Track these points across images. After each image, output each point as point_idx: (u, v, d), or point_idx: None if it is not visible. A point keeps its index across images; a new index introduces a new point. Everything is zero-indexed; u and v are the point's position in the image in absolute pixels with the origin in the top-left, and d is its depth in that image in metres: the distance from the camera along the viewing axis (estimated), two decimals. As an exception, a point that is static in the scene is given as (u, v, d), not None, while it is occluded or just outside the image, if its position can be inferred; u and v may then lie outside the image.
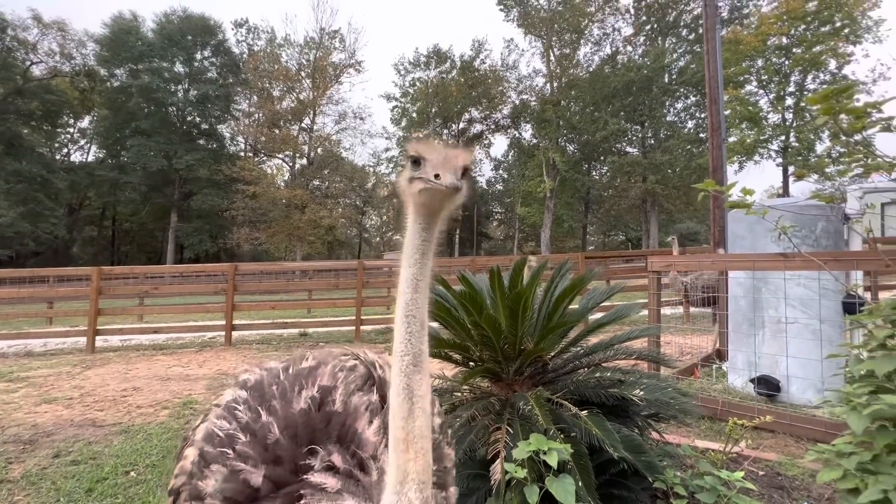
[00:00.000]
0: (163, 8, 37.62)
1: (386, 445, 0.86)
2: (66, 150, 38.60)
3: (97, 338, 8.41)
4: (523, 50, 37.81)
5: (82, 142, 39.49)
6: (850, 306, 3.69)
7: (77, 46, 35.08)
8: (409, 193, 0.91)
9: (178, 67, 37.53)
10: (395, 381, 0.85)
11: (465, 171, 0.90)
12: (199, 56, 38.64)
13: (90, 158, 38.99)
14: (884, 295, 7.42)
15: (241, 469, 0.95)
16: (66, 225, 34.13)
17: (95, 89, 36.21)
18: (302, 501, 0.90)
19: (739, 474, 1.93)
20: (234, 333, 8.94)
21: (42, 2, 44.49)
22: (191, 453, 1.04)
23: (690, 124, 32.57)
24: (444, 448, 1.17)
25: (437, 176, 0.84)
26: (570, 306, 2.76)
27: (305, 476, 0.93)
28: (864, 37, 25.38)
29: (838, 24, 25.55)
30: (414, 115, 39.84)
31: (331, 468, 0.95)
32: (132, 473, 3.20)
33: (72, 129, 38.57)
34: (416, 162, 0.89)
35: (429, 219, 0.93)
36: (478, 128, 41.39)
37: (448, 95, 37.81)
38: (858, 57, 25.78)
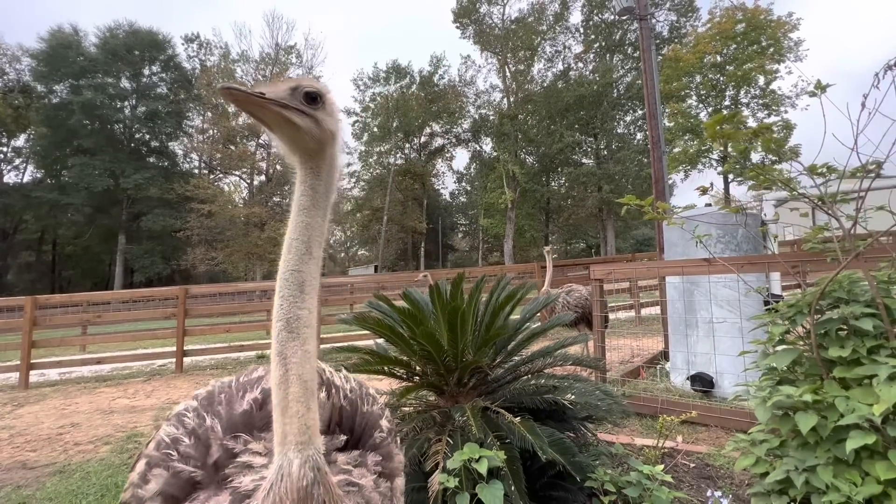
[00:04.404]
0: (106, 22, 36.01)
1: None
2: (-3, 171, 35.97)
3: (32, 372, 7.81)
4: (480, 66, 38.90)
5: (17, 161, 36.93)
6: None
7: (10, 61, 33.08)
8: None
9: (125, 83, 35.99)
10: (272, 347, 0.87)
11: (312, 97, 0.93)
12: (147, 71, 37.25)
13: (26, 179, 36.53)
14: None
15: (182, 469, 0.99)
16: (-2, 251, 31.68)
17: (31, 106, 34.03)
18: (229, 478, 0.96)
19: (660, 468, 2.08)
20: (186, 359, 8.55)
21: (-30, 14, 41.62)
22: (139, 465, 1.07)
23: (639, 136, 34.44)
24: (392, 448, 1.24)
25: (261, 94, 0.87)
26: (512, 317, 2.89)
27: (236, 459, 1.00)
28: (787, 55, 27.89)
29: (764, 44, 27.96)
30: (375, 129, 39.96)
31: (258, 451, 1.01)
32: (65, 516, 3.02)
33: (5, 149, 36.03)
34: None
35: (304, 164, 0.96)
36: (439, 142, 42.00)
37: (409, 110, 38.24)
38: (783, 74, 28.27)
